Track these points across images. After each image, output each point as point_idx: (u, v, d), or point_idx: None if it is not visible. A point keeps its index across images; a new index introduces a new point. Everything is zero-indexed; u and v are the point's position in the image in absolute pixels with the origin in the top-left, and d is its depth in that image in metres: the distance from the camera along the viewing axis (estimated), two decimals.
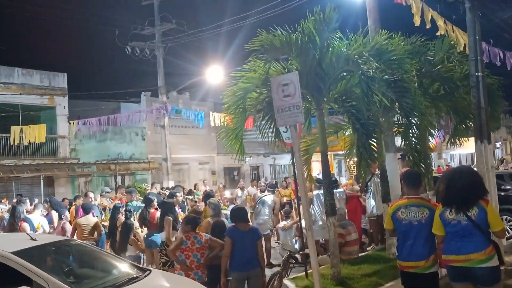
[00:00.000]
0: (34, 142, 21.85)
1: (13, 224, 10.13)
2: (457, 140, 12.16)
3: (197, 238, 7.14)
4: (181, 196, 13.71)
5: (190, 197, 14.74)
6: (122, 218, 10.36)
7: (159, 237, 9.47)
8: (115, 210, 10.69)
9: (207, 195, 12.02)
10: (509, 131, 65.88)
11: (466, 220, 4.96)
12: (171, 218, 9.34)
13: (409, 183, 5.78)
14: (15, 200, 13.03)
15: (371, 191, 11.75)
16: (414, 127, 9.30)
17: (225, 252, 6.91)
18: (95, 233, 10.25)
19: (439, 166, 37.77)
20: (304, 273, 8.75)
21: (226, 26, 23.10)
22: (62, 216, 11.05)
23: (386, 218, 5.96)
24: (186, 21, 24.93)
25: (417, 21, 11.98)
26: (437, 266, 5.57)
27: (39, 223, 10.59)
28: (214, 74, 23.21)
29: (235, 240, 6.88)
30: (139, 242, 9.83)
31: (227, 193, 17.47)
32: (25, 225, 10.05)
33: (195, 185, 21.75)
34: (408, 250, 5.56)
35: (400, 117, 9.88)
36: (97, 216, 11.22)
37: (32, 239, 6.08)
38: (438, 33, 12.14)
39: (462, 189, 4.99)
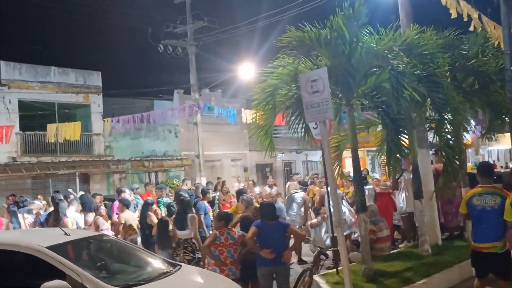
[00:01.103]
0: (69, 140, 22.32)
1: (57, 219, 10.35)
2: (492, 135, 11.92)
3: (230, 234, 7.18)
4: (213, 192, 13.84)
5: (217, 193, 14.74)
6: (152, 214, 10.51)
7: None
8: (145, 206, 10.82)
9: (239, 192, 12.08)
10: None
11: None
12: (196, 216, 9.40)
13: (483, 174, 6.51)
14: (53, 196, 13.28)
15: (402, 187, 11.62)
16: (447, 122, 9.15)
17: (247, 236, 6.92)
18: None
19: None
20: (335, 269, 8.71)
21: (257, 23, 23.13)
22: (96, 211, 11.28)
23: (462, 204, 6.62)
24: (218, 19, 25.07)
25: (453, 13, 11.76)
26: (507, 247, 6.16)
27: (73, 219, 10.83)
28: (246, 71, 23.26)
29: (260, 231, 6.89)
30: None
31: (257, 190, 17.55)
32: (67, 221, 10.29)
33: (223, 182, 21.79)
34: (483, 233, 6.20)
35: (432, 113, 9.72)
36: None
37: (66, 234, 6.21)
38: (471, 28, 11.90)
39: None
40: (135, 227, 10.57)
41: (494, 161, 44.58)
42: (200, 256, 8.83)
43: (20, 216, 11.77)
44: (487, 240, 6.17)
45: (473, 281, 7.77)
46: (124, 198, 12.03)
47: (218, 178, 21.12)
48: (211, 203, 14.23)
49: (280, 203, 12.12)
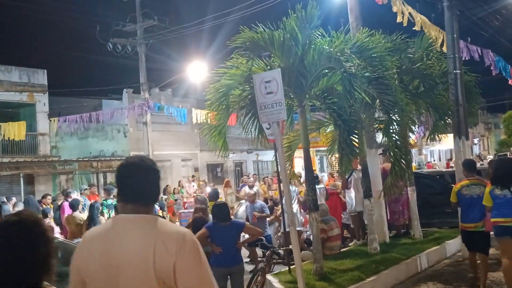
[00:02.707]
0: (13, 140, 21.58)
1: None
2: (436, 136, 12.37)
3: None
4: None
5: (164, 196, 14.70)
6: (103, 218, 10.40)
7: None
8: (93, 209, 10.63)
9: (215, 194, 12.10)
10: (487, 127, 66.92)
11: (510, 194, 6.81)
12: None
13: (468, 169, 7.99)
14: None
15: (351, 187, 11.89)
16: (395, 123, 9.46)
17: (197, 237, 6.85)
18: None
19: (428, 162, 38.26)
20: (287, 268, 8.82)
21: (208, 23, 23.09)
22: (47, 214, 10.98)
23: (452, 195, 7.97)
24: (168, 18, 24.86)
25: (399, 18, 12.14)
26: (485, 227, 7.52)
27: None
28: (196, 71, 23.18)
29: (211, 233, 6.86)
30: None
31: (208, 190, 17.51)
32: None
33: (179, 182, 21.70)
34: (471, 216, 7.66)
35: (381, 114, 10.01)
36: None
37: None
38: (415, 28, 12.31)
39: (507, 172, 6.92)
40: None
41: (434, 160, 46.20)
42: None
43: None
44: (473, 221, 7.65)
45: (418, 277, 8.19)
46: (75, 199, 11.83)
47: (167, 185, 20.86)
48: (160, 205, 14.18)
49: (260, 202, 12.15)
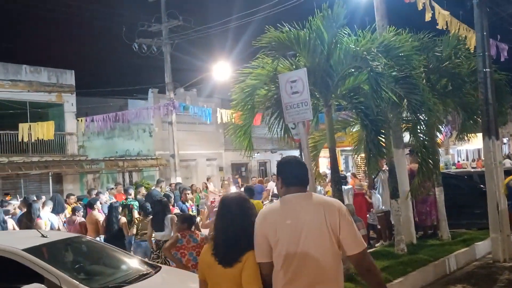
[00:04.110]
0: (42, 139, 21.93)
1: (30, 220, 10.15)
2: (465, 136, 12.16)
3: (193, 237, 7.06)
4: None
5: (190, 196, 14.71)
6: (123, 218, 10.48)
7: None
8: (112, 208, 10.69)
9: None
10: None
11: None
12: (175, 217, 9.33)
13: None
14: (25, 197, 13.05)
15: (378, 187, 11.77)
16: (422, 123, 9.32)
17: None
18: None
19: (458, 161, 37.71)
20: None
21: (233, 22, 23.10)
22: (76, 213, 11.12)
23: (504, 187, 9.32)
24: (193, 18, 24.97)
25: (428, 16, 11.96)
26: None
27: (48, 220, 10.65)
28: (221, 70, 23.23)
29: None
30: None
31: (233, 189, 17.53)
32: (40, 222, 10.10)
33: (203, 183, 21.71)
34: None
35: (408, 113, 9.88)
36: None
37: (43, 236, 6.10)
38: (439, 27, 12.13)
39: None
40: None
41: (463, 160, 45.46)
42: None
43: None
44: None
45: (447, 279, 7.98)
46: (93, 198, 12.02)
47: (192, 185, 20.96)
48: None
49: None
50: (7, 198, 16.80)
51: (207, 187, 19.39)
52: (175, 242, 7.04)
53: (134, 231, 10.04)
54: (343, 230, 3.27)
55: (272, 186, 17.43)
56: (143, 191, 14.91)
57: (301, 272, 3.23)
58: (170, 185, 18.96)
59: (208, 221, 9.87)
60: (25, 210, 11.12)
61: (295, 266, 3.23)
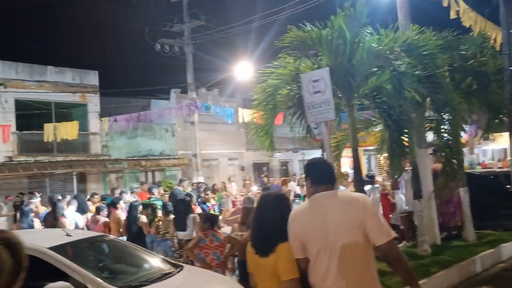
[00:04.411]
0: (66, 139, 22.23)
1: (55, 219, 10.29)
2: (490, 135, 11.98)
3: (216, 236, 7.06)
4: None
5: (213, 195, 14.76)
6: (143, 217, 10.54)
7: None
8: (132, 208, 10.77)
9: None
10: None
11: None
12: (197, 216, 9.37)
13: None
14: (50, 196, 13.23)
15: (401, 187, 11.65)
16: (446, 122, 9.21)
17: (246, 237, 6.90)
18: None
19: (483, 161, 37.09)
20: None
21: (255, 22, 23.10)
22: (100, 212, 11.24)
23: None
24: (215, 18, 25.03)
25: (453, 14, 11.78)
26: None
27: (72, 219, 10.78)
28: (243, 70, 23.24)
29: None
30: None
31: (255, 189, 17.52)
32: (65, 221, 10.24)
33: (223, 183, 21.78)
34: None
35: (431, 113, 9.76)
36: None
37: (67, 234, 6.19)
38: (464, 24, 11.94)
39: None
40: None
41: (489, 160, 44.68)
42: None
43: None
44: None
45: (472, 281, 7.83)
46: (116, 197, 12.14)
47: (214, 184, 21.06)
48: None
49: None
50: (8, 198, 17.07)
51: (225, 187, 19.43)
52: (197, 242, 7.05)
53: (153, 230, 10.07)
54: (369, 222, 3.44)
55: (292, 186, 17.38)
56: (161, 191, 15.03)
57: (334, 266, 3.44)
58: (193, 184, 19.05)
59: (231, 217, 9.85)
60: (50, 209, 11.29)
61: (327, 261, 3.45)
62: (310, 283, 3.55)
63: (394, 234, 3.57)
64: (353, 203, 3.52)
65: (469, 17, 12.16)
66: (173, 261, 7.26)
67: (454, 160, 9.15)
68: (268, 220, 3.75)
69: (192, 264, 7.60)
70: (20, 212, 11.62)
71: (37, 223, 10.94)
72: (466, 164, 21.26)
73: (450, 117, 9.11)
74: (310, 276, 3.54)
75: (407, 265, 3.60)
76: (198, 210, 10.83)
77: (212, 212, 11.86)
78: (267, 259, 3.65)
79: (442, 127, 9.16)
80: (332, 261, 3.44)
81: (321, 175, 3.70)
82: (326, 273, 3.46)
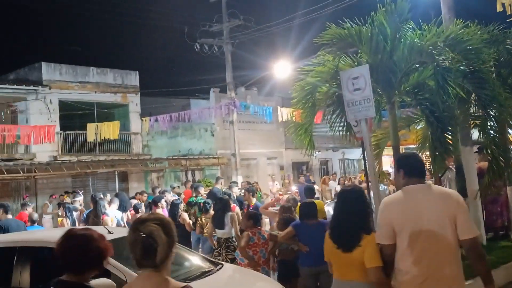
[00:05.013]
0: (108, 139, 22.67)
1: (97, 217, 10.48)
2: None
3: (261, 234, 7.13)
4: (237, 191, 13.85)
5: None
6: (184, 215, 10.59)
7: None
8: (173, 206, 10.84)
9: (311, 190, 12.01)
10: None
11: None
12: (235, 214, 9.36)
13: None
14: (92, 194, 13.49)
15: (445, 185, 11.37)
16: (493, 119, 8.91)
17: (282, 236, 6.83)
18: None
19: None
20: None
21: (294, 20, 23.01)
22: (139, 210, 11.40)
23: None
24: (253, 17, 25.06)
25: (499, 6, 11.41)
26: None
27: (114, 217, 10.96)
28: (282, 69, 23.17)
29: (298, 231, 6.77)
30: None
31: (294, 188, 17.43)
32: (107, 219, 10.41)
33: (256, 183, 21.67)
34: None
35: (477, 109, 9.47)
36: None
37: (109, 232, 6.26)
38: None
39: None
40: None
41: None
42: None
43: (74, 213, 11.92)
44: None
45: None
46: (158, 196, 12.25)
47: (254, 182, 21.07)
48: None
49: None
50: (52, 197, 17.51)
51: (260, 189, 19.36)
52: (248, 240, 7.09)
53: (197, 229, 10.14)
54: (459, 218, 3.70)
55: (333, 185, 17.20)
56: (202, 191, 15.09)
57: (425, 254, 3.73)
58: (242, 183, 19.04)
59: (270, 209, 9.79)
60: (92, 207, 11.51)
61: (419, 248, 3.73)
62: (395, 269, 3.86)
63: (478, 232, 3.84)
64: (447, 198, 3.79)
65: None
66: (212, 259, 7.28)
67: (501, 158, 8.84)
68: (352, 215, 4.07)
69: (231, 262, 7.61)
70: (64, 210, 11.94)
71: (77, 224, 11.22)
72: None
73: (497, 114, 8.79)
74: (399, 263, 3.82)
75: (488, 265, 3.90)
76: (237, 209, 10.81)
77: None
78: (351, 254, 4.02)
79: (488, 123, 8.85)
80: (422, 249, 3.72)
81: (414, 168, 3.96)
82: (416, 259, 3.73)
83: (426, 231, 3.72)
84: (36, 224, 9.97)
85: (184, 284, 2.81)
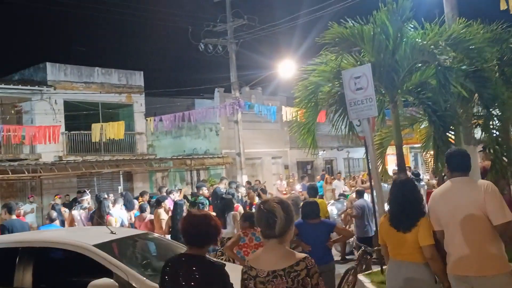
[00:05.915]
0: (113, 139, 22.73)
1: (100, 217, 10.50)
2: None
3: (255, 235, 6.98)
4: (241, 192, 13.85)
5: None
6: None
7: None
8: (176, 206, 10.85)
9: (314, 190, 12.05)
10: None
11: None
12: (238, 214, 9.37)
13: None
14: (97, 195, 13.53)
15: None
16: (495, 118, 8.89)
17: None
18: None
19: None
20: (379, 268, 8.57)
21: (297, 20, 23.01)
22: (145, 209, 11.40)
23: None
24: (258, 17, 25.07)
25: (503, 5, 11.35)
26: None
27: (118, 217, 10.99)
28: (286, 68, 23.18)
29: (300, 230, 6.74)
30: None
31: (298, 187, 17.41)
32: (111, 219, 10.44)
33: (258, 181, 21.67)
34: None
35: (479, 109, 9.45)
36: None
37: (112, 232, 6.29)
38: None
39: None
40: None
41: None
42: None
43: (77, 213, 11.91)
44: None
45: None
46: (162, 195, 12.25)
47: (256, 180, 21.11)
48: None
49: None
50: (55, 198, 17.55)
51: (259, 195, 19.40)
52: (237, 240, 7.04)
53: None
54: (488, 204, 4.20)
55: (337, 185, 17.16)
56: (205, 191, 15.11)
57: (467, 237, 4.28)
58: (249, 182, 19.03)
59: None
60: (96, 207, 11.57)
61: (457, 233, 4.32)
62: (447, 251, 4.41)
63: (510, 217, 4.19)
64: (478, 187, 4.31)
65: None
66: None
67: (504, 157, 8.81)
68: (408, 201, 4.63)
69: (234, 262, 7.61)
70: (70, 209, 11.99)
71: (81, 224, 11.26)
72: None
73: (500, 113, 8.77)
74: (447, 246, 4.41)
75: None
76: (240, 209, 10.84)
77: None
78: (409, 234, 4.56)
79: (491, 123, 8.83)
80: (460, 234, 4.28)
81: (456, 164, 4.53)
82: (458, 243, 4.30)
83: (464, 218, 4.25)
84: (53, 223, 9.83)
85: (305, 255, 3.39)
